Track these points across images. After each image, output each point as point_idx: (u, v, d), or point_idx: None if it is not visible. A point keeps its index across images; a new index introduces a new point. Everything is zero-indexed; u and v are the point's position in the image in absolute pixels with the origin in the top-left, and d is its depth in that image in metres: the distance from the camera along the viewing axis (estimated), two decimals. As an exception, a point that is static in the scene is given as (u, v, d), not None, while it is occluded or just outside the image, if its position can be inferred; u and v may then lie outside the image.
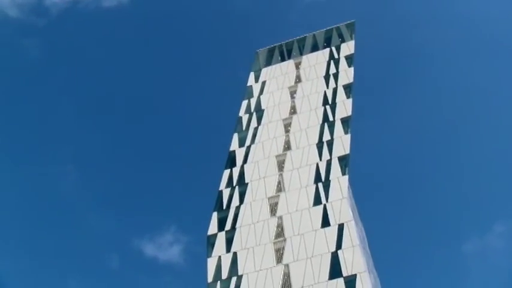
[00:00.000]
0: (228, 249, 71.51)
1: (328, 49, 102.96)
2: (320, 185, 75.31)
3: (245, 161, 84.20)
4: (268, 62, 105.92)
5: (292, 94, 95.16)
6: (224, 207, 77.82)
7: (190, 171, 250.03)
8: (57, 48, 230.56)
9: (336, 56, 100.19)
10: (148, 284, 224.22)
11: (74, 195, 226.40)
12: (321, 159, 79.24)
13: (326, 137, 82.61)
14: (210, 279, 68.86)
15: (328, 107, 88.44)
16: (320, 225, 70.04)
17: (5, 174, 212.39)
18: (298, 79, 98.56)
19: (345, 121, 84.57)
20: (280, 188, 77.64)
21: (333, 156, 78.87)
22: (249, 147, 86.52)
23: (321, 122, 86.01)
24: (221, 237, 73.55)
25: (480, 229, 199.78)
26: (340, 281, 62.95)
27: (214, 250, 72.23)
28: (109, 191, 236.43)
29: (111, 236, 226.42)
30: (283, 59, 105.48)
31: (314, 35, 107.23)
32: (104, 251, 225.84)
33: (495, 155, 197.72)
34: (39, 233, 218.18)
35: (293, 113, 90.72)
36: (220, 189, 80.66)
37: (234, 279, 67.66)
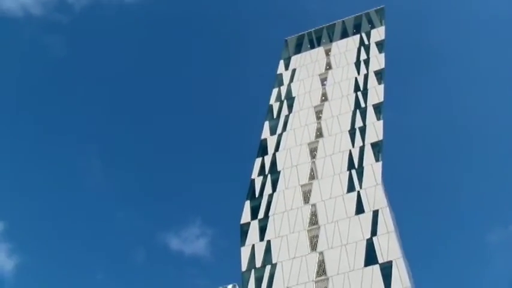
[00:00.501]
0: (262, 238, 71.32)
1: (358, 35, 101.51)
2: (353, 171, 74.53)
3: (277, 148, 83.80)
4: (298, 50, 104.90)
5: (323, 81, 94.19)
6: (257, 195, 77.59)
7: (214, 163, 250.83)
8: (81, 44, 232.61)
9: (366, 42, 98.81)
10: (175, 278, 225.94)
11: (99, 190, 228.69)
12: (353, 146, 78.38)
13: (358, 123, 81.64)
14: (243, 268, 68.79)
15: (359, 93, 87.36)
16: (354, 212, 69.37)
17: (32, 170, 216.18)
18: (328, 66, 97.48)
19: (377, 107, 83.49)
20: (313, 175, 77.03)
21: (365, 143, 77.95)
22: (280, 135, 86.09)
23: (352, 108, 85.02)
24: (254, 226, 73.35)
25: (504, 220, 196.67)
26: (376, 268, 62.29)
27: (247, 239, 72.07)
28: (134, 185, 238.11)
29: (137, 230, 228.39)
30: (312, 47, 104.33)
31: (343, 22, 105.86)
32: (130, 245, 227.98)
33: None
34: (66, 228, 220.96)
35: (324, 100, 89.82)
36: (252, 177, 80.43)
37: (268, 268, 67.48)
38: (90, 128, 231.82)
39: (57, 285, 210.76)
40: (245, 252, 70.34)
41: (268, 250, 69.37)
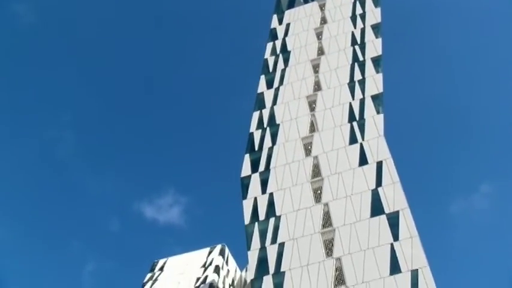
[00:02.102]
0: (264, 191, 70.02)
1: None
2: (355, 123, 73.36)
3: (275, 102, 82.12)
4: (291, 4, 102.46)
5: (318, 35, 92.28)
6: (256, 148, 76.08)
7: (187, 131, 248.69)
8: (52, 12, 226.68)
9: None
10: (150, 246, 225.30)
11: (72, 160, 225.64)
12: (353, 99, 77.10)
13: (357, 76, 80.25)
14: (246, 221, 67.47)
15: (357, 47, 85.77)
16: (358, 164, 68.36)
17: (3, 141, 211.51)
18: (323, 21, 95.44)
19: (375, 60, 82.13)
20: (313, 128, 75.68)
21: (366, 95, 76.75)
22: (277, 89, 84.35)
23: (351, 62, 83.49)
24: (255, 179, 71.94)
25: (466, 190, 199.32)
26: (383, 218, 61.62)
27: (249, 192, 70.71)
28: (107, 155, 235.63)
29: (111, 199, 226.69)
30: (306, 1, 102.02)
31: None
32: (104, 214, 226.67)
33: (483, 117, 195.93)
34: (39, 198, 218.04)
35: (321, 54, 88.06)
36: (251, 131, 78.83)
37: (272, 220, 66.30)
38: (62, 98, 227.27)
39: (33, 256, 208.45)
40: (247, 206, 68.99)
41: (271, 203, 68.14)
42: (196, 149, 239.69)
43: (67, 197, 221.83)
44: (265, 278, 61.08)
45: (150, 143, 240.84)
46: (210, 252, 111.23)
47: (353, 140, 71.31)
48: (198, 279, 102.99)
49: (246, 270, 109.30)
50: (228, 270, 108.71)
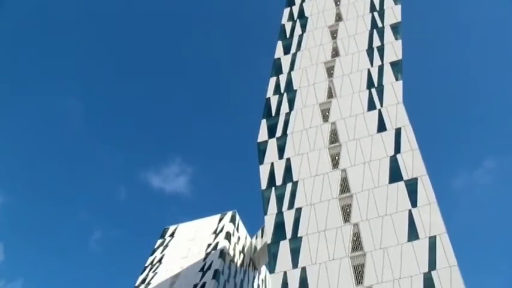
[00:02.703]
0: (281, 156, 69.58)
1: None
2: (373, 90, 72.55)
3: (292, 68, 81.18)
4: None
5: (337, 1, 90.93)
6: (273, 114, 75.44)
7: (194, 100, 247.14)
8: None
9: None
10: (156, 215, 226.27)
11: (80, 130, 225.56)
12: (372, 65, 76.13)
13: (376, 43, 79.15)
14: (263, 186, 67.19)
15: (376, 13, 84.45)
16: (376, 130, 67.72)
17: (12, 112, 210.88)
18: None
19: (394, 27, 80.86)
20: (331, 94, 74.91)
21: (384, 62, 75.75)
22: (294, 55, 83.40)
23: (369, 28, 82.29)
24: (272, 144, 71.49)
25: (469, 165, 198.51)
26: (401, 185, 61.21)
27: (266, 157, 70.30)
28: (114, 123, 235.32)
29: (118, 169, 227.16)
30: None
31: None
32: (111, 183, 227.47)
33: (487, 90, 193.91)
34: (47, 168, 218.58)
35: (339, 20, 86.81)
36: (267, 96, 78.14)
37: (289, 185, 66.00)
38: (68, 65, 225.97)
39: (41, 223, 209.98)
40: (264, 171, 68.65)
41: (288, 168, 67.74)
42: (202, 118, 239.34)
43: (74, 166, 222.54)
44: (282, 243, 61.01)
45: (157, 112, 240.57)
46: (220, 219, 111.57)
47: (371, 106, 70.58)
48: (208, 245, 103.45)
49: (256, 237, 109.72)
50: (239, 237, 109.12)
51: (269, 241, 61.92)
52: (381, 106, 69.91)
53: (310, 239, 59.95)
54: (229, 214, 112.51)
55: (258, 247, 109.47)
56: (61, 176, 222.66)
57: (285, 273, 58.37)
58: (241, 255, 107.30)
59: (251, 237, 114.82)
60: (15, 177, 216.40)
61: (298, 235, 60.83)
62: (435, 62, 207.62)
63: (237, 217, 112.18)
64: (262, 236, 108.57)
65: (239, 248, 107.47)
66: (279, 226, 62.32)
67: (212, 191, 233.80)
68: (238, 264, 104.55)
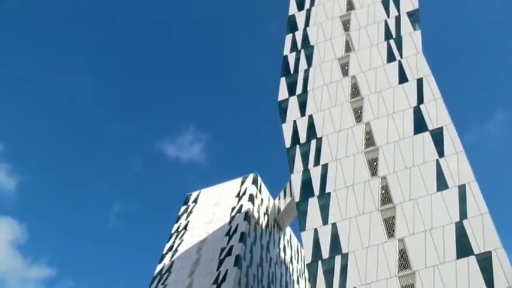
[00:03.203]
0: (303, 113, 68.96)
1: None
2: (392, 41, 71.32)
3: (307, 24, 79.85)
4: None
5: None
6: (292, 71, 74.49)
7: (204, 64, 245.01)
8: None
9: None
10: (173, 184, 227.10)
11: (91, 104, 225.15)
12: (388, 16, 74.64)
13: (391, -7, 77.31)
14: (287, 144, 66.79)
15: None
16: (397, 82, 66.71)
17: (22, 86, 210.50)
18: None
19: (409, -25, 78.58)
20: (349, 47, 73.72)
21: (401, 12, 74.16)
22: (309, 10, 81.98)
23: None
24: (293, 102, 70.83)
25: (481, 118, 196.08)
26: (427, 135, 60.47)
27: (287, 115, 69.75)
28: (125, 96, 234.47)
29: (133, 140, 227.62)
30: None
31: None
32: (126, 156, 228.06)
33: (498, 44, 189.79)
34: (62, 145, 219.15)
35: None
36: (284, 54, 77.18)
37: (313, 142, 65.52)
38: (76, 41, 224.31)
39: (60, 201, 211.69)
40: (287, 129, 68.17)
41: (311, 125, 67.20)
42: (213, 85, 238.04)
43: (88, 141, 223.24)
44: (310, 200, 60.82)
45: (167, 81, 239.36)
46: (242, 182, 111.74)
47: (391, 58, 69.44)
48: (233, 208, 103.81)
49: (279, 198, 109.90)
50: (262, 199, 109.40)
51: (297, 199, 61.70)
52: (401, 57, 68.77)
53: (338, 195, 59.68)
54: (251, 176, 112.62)
55: (282, 208, 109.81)
56: (76, 152, 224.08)
57: (316, 230, 58.33)
58: (266, 217, 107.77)
59: (273, 198, 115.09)
60: (31, 157, 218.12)
61: (326, 191, 60.56)
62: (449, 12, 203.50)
63: (259, 179, 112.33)
64: (285, 197, 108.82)
65: (263, 209, 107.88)
66: (306, 184, 62.04)
67: (228, 156, 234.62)
68: (263, 226, 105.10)
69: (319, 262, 55.95)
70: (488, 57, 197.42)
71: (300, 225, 59.78)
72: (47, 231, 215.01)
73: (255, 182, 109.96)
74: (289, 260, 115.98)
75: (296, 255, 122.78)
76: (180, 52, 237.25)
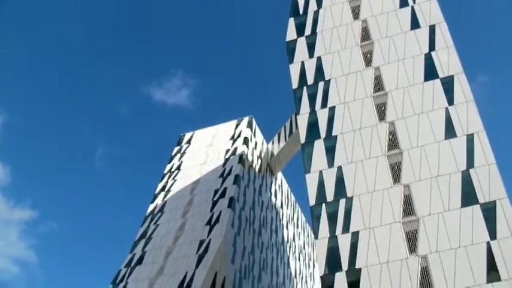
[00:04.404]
0: (311, 55, 67.60)
1: None
2: (405, -14, 69.39)
3: (317, -36, 77.37)
4: None
5: None
6: (301, 12, 72.66)
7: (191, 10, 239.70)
8: None
9: None
10: (159, 128, 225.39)
11: (80, 44, 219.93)
12: (402, -40, 72.31)
13: None
14: (294, 85, 65.74)
15: None
16: (409, 27, 65.47)
17: (11, 29, 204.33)
18: None
19: None
20: (360, -10, 71.75)
21: (415, -45, 71.86)
22: (319, -49, 79.11)
23: None
24: (301, 43, 69.33)
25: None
26: (437, 82, 59.83)
27: (295, 56, 68.39)
28: (114, 37, 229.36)
29: (119, 83, 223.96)
30: None
31: None
32: (113, 97, 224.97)
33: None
34: (48, 85, 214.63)
35: None
36: (294, -7, 74.96)
37: (321, 84, 64.48)
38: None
39: (42, 142, 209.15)
40: (294, 70, 66.91)
41: (319, 67, 66.00)
42: (199, 31, 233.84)
43: (75, 83, 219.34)
44: (316, 142, 60.23)
45: (156, 25, 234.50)
46: (237, 125, 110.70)
47: (403, 3, 67.96)
48: (227, 151, 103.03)
49: (273, 143, 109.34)
50: (256, 143, 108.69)
51: (303, 141, 61.07)
52: (414, 3, 67.37)
53: (345, 138, 59.13)
54: (245, 119, 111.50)
55: (275, 152, 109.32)
56: (62, 93, 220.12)
57: (321, 172, 57.97)
58: (259, 161, 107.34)
59: (267, 142, 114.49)
60: (16, 97, 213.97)
61: (333, 134, 59.97)
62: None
63: (254, 122, 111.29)
64: (279, 142, 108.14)
65: (257, 153, 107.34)
66: (313, 125, 61.35)
67: (215, 102, 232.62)
68: (256, 170, 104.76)
69: (323, 204, 55.83)
70: (468, 19, 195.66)
71: (304, 167, 59.31)
72: (31, 174, 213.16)
73: (249, 125, 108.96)
74: (279, 205, 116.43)
75: (286, 200, 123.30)
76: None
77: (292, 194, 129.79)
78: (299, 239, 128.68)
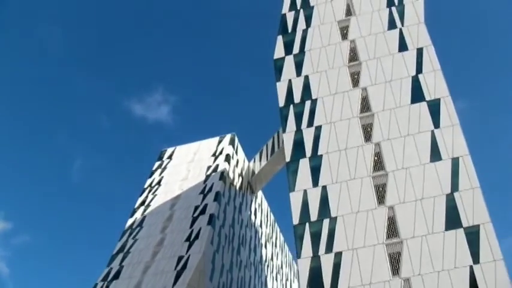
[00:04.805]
0: (299, 73, 67.54)
1: None
2: (393, 9, 70.23)
3: (307, -17, 77.83)
4: None
5: None
6: (289, 30, 72.73)
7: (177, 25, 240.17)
8: None
9: None
10: (138, 143, 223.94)
11: (61, 56, 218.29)
12: (391, -17, 73.12)
13: (395, -41, 75.67)
14: (281, 103, 65.52)
15: None
16: (397, 49, 65.79)
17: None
18: None
19: None
20: (349, 11, 72.27)
21: (404, -20, 72.68)
22: (309, -30, 79.61)
23: None
24: (289, 61, 69.25)
25: None
26: (424, 105, 60.09)
27: (283, 74, 68.25)
28: (96, 51, 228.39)
29: (100, 96, 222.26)
30: None
31: None
32: (93, 111, 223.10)
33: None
34: (28, 93, 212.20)
35: None
36: (283, 12, 75.19)
37: (308, 103, 64.40)
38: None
39: (18, 150, 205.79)
40: (281, 88, 66.78)
41: (306, 86, 65.93)
42: (183, 45, 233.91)
43: (55, 93, 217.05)
44: (301, 160, 59.92)
45: (140, 40, 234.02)
46: (219, 142, 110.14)
47: (392, 25, 68.44)
48: (208, 167, 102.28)
49: (254, 161, 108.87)
50: (238, 160, 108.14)
51: (288, 159, 60.73)
52: (402, 25, 67.86)
53: (330, 158, 58.91)
54: (228, 137, 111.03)
55: (256, 171, 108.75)
56: (41, 104, 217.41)
57: (305, 191, 57.61)
58: (240, 179, 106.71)
59: (248, 161, 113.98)
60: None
61: (319, 153, 59.70)
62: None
63: (236, 140, 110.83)
64: (260, 160, 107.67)
65: (238, 171, 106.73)
66: (298, 144, 61.08)
67: (194, 120, 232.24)
68: (237, 188, 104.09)
69: (307, 224, 55.39)
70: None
71: (288, 185, 58.90)
72: (4, 184, 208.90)
73: (232, 142, 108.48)
74: (258, 224, 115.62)
75: (265, 219, 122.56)
76: (155, 10, 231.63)
77: (271, 214, 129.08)
78: (277, 258, 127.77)
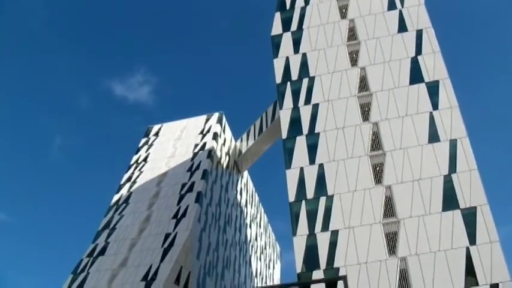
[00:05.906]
0: (296, 50, 66.61)
1: None
2: (393, -11, 69.30)
3: (306, -40, 76.58)
4: None
5: None
6: (288, 7, 71.62)
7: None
8: None
9: None
10: (119, 123, 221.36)
11: (41, 34, 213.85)
12: (392, -38, 72.30)
13: None
14: (278, 80, 64.63)
15: None
16: (397, 30, 65.27)
17: None
18: None
19: None
20: (349, -11, 71.28)
21: (405, -40, 71.95)
22: None
23: None
24: (287, 38, 68.28)
25: None
26: (422, 87, 59.88)
27: (280, 51, 67.26)
28: (78, 28, 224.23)
29: (81, 75, 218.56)
30: None
31: None
32: (73, 90, 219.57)
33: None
34: (5, 71, 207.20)
35: None
36: (282, -11, 73.98)
37: (305, 81, 63.59)
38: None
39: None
40: (278, 65, 65.83)
41: (304, 63, 65.08)
42: (167, 25, 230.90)
43: (32, 67, 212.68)
44: (298, 138, 59.27)
45: (124, 16, 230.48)
46: (207, 120, 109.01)
47: (392, 6, 67.80)
48: (196, 145, 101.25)
49: (241, 140, 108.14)
50: (225, 139, 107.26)
51: (284, 136, 60.01)
52: (402, 7, 67.28)
53: (328, 136, 58.39)
54: (216, 115, 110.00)
55: (243, 151, 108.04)
56: (20, 82, 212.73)
57: (302, 169, 57.03)
58: (227, 158, 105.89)
59: (235, 140, 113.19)
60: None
61: (315, 131, 59.10)
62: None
63: (224, 119, 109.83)
64: (247, 140, 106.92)
65: (225, 150, 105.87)
66: (295, 121, 60.41)
67: (174, 101, 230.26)
68: (224, 167, 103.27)
69: (303, 202, 54.89)
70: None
71: (285, 163, 58.29)
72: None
73: (219, 121, 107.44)
74: (244, 204, 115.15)
75: (251, 199, 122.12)
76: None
77: (256, 194, 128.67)
78: (261, 239, 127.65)
